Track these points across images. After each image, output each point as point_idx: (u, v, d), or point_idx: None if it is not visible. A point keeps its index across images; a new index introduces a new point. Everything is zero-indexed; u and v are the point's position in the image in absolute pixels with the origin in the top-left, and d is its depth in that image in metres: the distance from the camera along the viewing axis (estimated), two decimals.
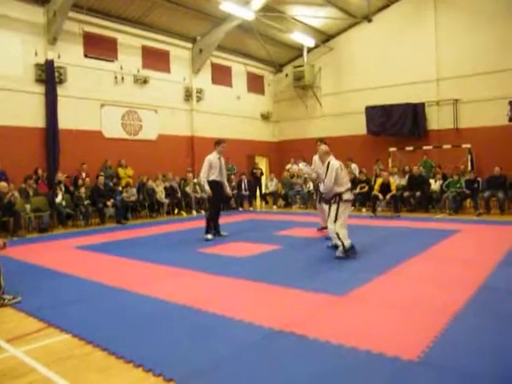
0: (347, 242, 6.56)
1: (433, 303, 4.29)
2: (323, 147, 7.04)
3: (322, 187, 6.95)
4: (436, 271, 5.65)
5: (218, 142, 9.05)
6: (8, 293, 4.71)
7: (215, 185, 8.76)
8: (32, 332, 3.81)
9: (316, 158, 8.74)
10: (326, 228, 8.86)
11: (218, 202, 9.06)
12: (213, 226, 8.93)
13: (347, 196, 6.69)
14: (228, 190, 9.49)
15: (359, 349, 3.24)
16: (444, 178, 13.40)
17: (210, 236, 8.73)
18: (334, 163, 6.68)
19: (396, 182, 13.42)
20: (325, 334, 3.52)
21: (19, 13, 12.16)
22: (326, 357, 3.17)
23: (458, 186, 12.59)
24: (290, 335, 3.56)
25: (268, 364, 3.07)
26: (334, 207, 6.61)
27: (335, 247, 6.87)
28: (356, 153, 17.37)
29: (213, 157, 8.85)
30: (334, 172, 6.55)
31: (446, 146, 15.45)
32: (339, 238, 6.55)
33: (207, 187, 8.68)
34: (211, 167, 8.74)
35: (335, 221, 6.58)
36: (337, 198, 6.59)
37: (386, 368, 2.97)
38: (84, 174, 12.79)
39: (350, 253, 6.59)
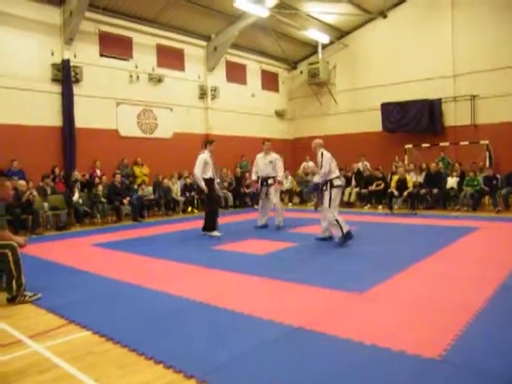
0: (346, 228, 7.22)
1: (452, 301, 4.24)
2: (318, 140, 7.93)
3: (316, 177, 7.68)
4: (455, 269, 5.59)
5: (210, 142, 9.40)
6: (29, 289, 4.76)
7: (211, 182, 8.97)
8: (53, 328, 3.85)
9: (260, 155, 9.80)
10: (265, 226, 9.86)
11: (216, 197, 9.38)
12: (216, 222, 9.07)
13: (338, 182, 7.54)
14: (217, 187, 9.83)
15: (379, 346, 3.21)
16: (462, 175, 13.22)
17: (217, 233, 8.91)
18: (327, 153, 7.55)
19: (413, 179, 13.31)
20: (345, 332, 3.50)
21: (36, 14, 12.29)
22: (347, 354, 3.15)
23: (475, 183, 12.44)
24: (309, 332, 3.54)
25: (288, 361, 3.06)
26: (327, 193, 7.38)
27: (323, 239, 7.73)
28: (371, 150, 17.28)
29: (206, 156, 8.93)
30: (328, 160, 7.43)
31: (464, 143, 15.27)
32: (339, 225, 7.22)
33: (203, 184, 8.75)
34: (206, 165, 8.85)
35: (329, 206, 7.29)
36: (328, 184, 7.39)
37: (408, 366, 2.94)
38: (98, 172, 12.90)
39: (347, 238, 7.23)
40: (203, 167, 8.80)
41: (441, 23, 16.30)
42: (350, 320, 3.84)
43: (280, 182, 9.87)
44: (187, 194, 14.15)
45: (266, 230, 9.42)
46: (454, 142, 15.66)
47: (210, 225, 8.99)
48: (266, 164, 9.64)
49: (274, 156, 9.70)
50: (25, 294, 4.69)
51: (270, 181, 9.59)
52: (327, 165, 7.37)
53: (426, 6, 16.63)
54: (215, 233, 8.91)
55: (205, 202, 9.55)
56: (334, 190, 7.42)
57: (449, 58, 16.16)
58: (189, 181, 14.23)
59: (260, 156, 9.83)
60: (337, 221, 7.22)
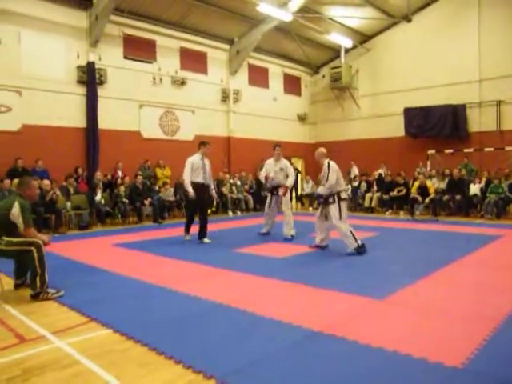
0: (359, 241, 6.99)
1: (476, 310, 4.16)
2: (321, 149, 7.54)
3: (320, 188, 7.37)
4: (479, 277, 5.49)
5: (202, 143, 8.75)
6: (51, 287, 4.84)
7: (198, 187, 8.38)
8: (75, 325, 3.90)
9: (270, 161, 9.06)
10: (267, 233, 9.30)
11: (195, 204, 8.57)
12: (189, 227, 8.75)
13: (344, 195, 7.24)
14: (213, 192, 9.00)
15: (400, 353, 3.17)
16: (488, 182, 12.97)
17: (187, 237, 8.69)
18: (334, 164, 7.18)
19: (435, 185, 13.14)
20: (365, 337, 3.46)
21: (63, 18, 12.53)
22: (366, 360, 3.11)
23: (500, 190, 12.22)
24: (329, 337, 3.52)
25: (307, 364, 3.04)
26: (335, 207, 7.08)
27: (319, 247, 7.51)
28: (393, 155, 17.14)
29: (195, 158, 8.50)
30: (335, 172, 7.08)
31: (488, 149, 15.00)
32: (353, 236, 6.98)
33: (191, 189, 8.27)
34: (193, 169, 8.37)
35: (341, 218, 7.03)
36: (335, 197, 7.08)
37: (429, 373, 2.89)
38: (120, 173, 13.04)
39: (362, 250, 6.98)
40: (191, 171, 8.37)
41: (467, 27, 16.08)
42: (370, 325, 3.80)
43: (286, 188, 8.87)
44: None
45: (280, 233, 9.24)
46: (479, 148, 15.40)
47: (185, 229, 8.75)
48: (277, 171, 8.85)
49: (284, 162, 8.99)
50: (48, 291, 4.77)
51: (280, 191, 8.82)
52: (334, 177, 7.02)
53: (452, 9, 16.44)
54: (186, 237, 8.72)
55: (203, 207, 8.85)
56: (342, 203, 7.10)
57: (474, 62, 15.93)
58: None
59: (270, 162, 9.05)
60: (351, 232, 7.02)
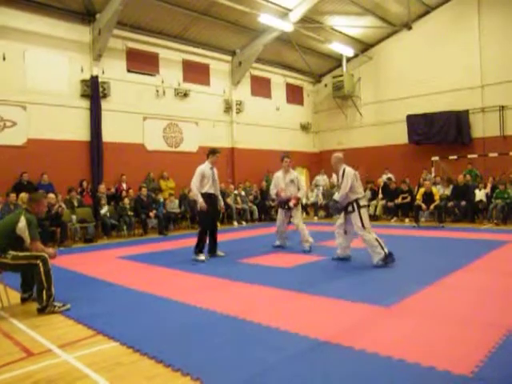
0: (386, 249, 6.63)
1: (484, 316, 4.13)
2: (338, 154, 7.23)
3: (336, 195, 7.12)
4: (486, 283, 5.45)
5: (212, 152, 8.20)
6: (57, 300, 4.85)
7: (208, 198, 7.90)
8: (82, 339, 3.90)
9: (279, 174, 8.73)
10: (281, 246, 8.94)
11: (209, 216, 8.03)
12: (204, 245, 7.98)
13: (364, 202, 6.95)
14: (221, 203, 8.42)
15: (408, 361, 3.14)
16: (493, 188, 12.93)
17: (202, 257, 7.79)
18: (350, 170, 6.91)
19: (440, 191, 13.10)
20: (372, 346, 3.44)
21: (67, 33, 12.68)
22: (374, 369, 3.08)
23: (506, 196, 12.17)
24: (336, 346, 3.49)
25: (315, 375, 3.02)
26: (355, 215, 6.79)
27: (341, 259, 7.18)
28: (397, 162, 17.13)
29: (205, 167, 7.99)
30: (350, 179, 6.78)
31: (493, 154, 14.97)
32: (380, 245, 6.61)
33: (201, 199, 7.78)
34: (203, 178, 7.91)
35: (364, 227, 6.70)
36: (354, 204, 6.79)
37: (438, 382, 2.86)
38: (124, 185, 13.08)
39: (391, 259, 6.60)
40: (201, 180, 7.92)
41: (467, 33, 16.14)
42: (377, 334, 3.77)
43: (298, 199, 8.52)
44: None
45: (292, 243, 9.13)
46: (483, 154, 15.38)
47: (197, 247, 7.93)
48: (287, 184, 8.50)
49: (294, 174, 8.69)
50: (54, 305, 4.78)
51: (291, 203, 8.40)
52: (348, 185, 6.72)
53: (452, 16, 16.52)
54: (201, 256, 7.81)
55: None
56: (362, 210, 6.77)
57: (476, 68, 15.96)
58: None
59: (279, 175, 8.70)
60: (377, 240, 6.59)
